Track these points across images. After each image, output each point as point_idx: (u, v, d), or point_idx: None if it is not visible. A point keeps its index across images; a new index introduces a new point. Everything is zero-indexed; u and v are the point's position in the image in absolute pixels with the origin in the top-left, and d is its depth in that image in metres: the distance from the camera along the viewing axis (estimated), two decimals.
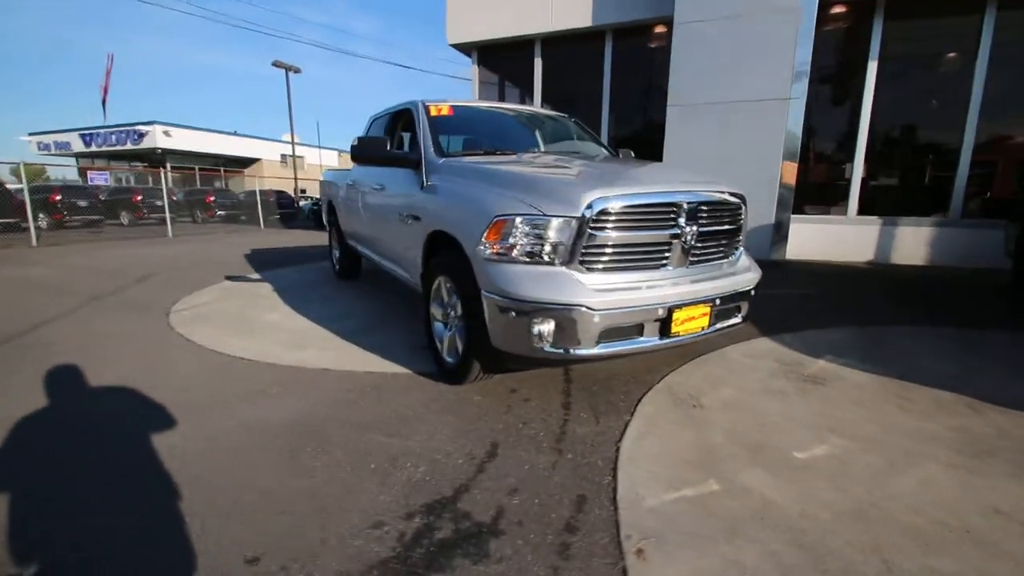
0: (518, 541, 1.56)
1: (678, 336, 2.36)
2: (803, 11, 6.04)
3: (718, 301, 2.45)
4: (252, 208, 15.94)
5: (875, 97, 6.59)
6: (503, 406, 2.48)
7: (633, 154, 4.01)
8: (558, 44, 8.18)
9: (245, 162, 33.19)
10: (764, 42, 6.22)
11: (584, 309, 2.14)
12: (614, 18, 7.47)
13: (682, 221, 2.35)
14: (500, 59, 8.77)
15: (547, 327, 2.17)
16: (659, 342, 2.35)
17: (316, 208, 15.09)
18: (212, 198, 17.83)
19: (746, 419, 2.34)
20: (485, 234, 2.28)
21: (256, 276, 6.10)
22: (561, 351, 2.21)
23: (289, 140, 40.37)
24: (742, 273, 2.67)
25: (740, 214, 2.68)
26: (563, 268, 2.22)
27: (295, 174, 23.01)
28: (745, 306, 2.74)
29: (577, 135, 4.01)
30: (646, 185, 2.36)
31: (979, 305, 4.56)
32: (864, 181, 6.85)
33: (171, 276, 6.17)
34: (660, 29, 7.49)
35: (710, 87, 6.57)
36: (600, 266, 2.26)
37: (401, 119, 3.87)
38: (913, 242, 6.58)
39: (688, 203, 2.36)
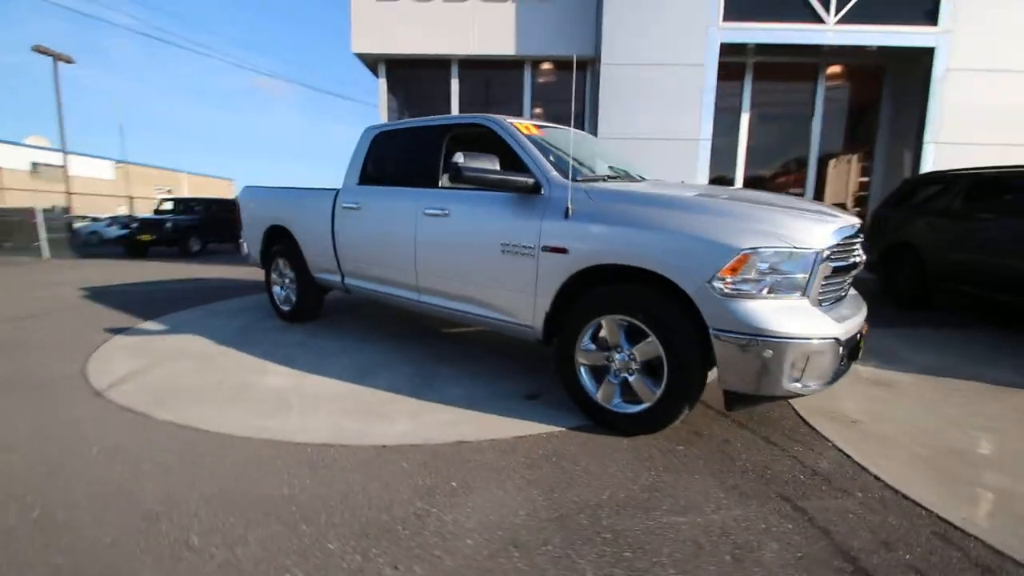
0: None
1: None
2: (707, 67, 7.07)
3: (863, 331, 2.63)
4: (23, 231, 11.85)
5: (748, 136, 7.99)
6: (716, 451, 2.30)
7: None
8: (477, 67, 8.04)
9: None
10: (679, 89, 7.08)
11: (835, 342, 2.13)
12: (536, 51, 7.67)
13: (856, 251, 2.51)
14: (411, 76, 8.23)
15: (801, 363, 2.10)
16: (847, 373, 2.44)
17: (129, 232, 11.95)
18: None
19: (907, 427, 2.57)
20: (723, 269, 2.11)
21: (159, 326, 4.55)
22: (812, 387, 2.15)
23: (37, 145, 31.34)
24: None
25: None
26: (805, 301, 2.18)
27: (67, 187, 17.86)
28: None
29: (606, 153, 3.96)
30: (838, 215, 2.45)
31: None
32: None
33: (11, 335, 4.22)
34: (581, 65, 7.95)
35: (632, 123, 7.19)
36: (820, 298, 2.27)
37: (453, 136, 3.35)
38: None
39: (857, 232, 2.53)
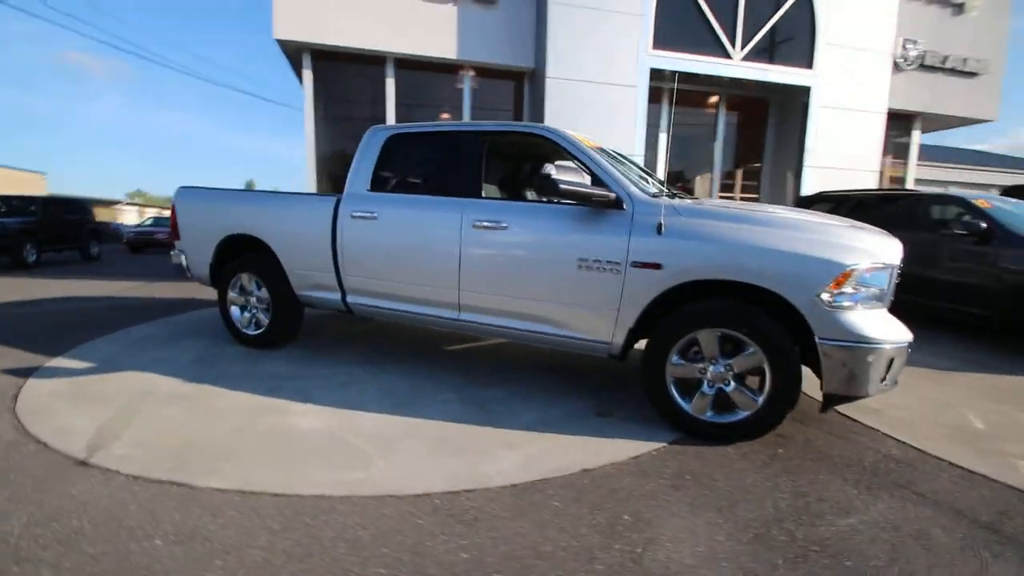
0: None
1: None
2: (639, 89, 7.61)
3: None
4: None
5: (667, 153, 8.75)
6: (809, 451, 2.50)
7: None
8: (414, 67, 7.65)
9: None
10: (617, 107, 7.51)
11: (908, 345, 2.45)
12: (477, 57, 7.54)
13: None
14: (341, 70, 7.53)
15: (889, 365, 2.38)
16: None
17: None
18: None
19: (915, 412, 3.04)
20: (830, 284, 2.31)
21: (80, 363, 3.56)
22: (890, 386, 2.45)
23: None
24: None
25: None
26: (884, 310, 2.47)
27: None
28: None
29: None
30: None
31: None
32: None
33: None
34: (520, 76, 7.99)
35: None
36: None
37: (495, 143, 3.16)
38: None
39: None
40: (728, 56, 7.89)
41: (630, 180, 2.82)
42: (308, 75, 7.20)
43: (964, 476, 2.28)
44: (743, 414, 2.52)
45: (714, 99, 8.91)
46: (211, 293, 6.71)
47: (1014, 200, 5.52)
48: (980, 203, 5.10)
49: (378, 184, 3.42)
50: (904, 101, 9.23)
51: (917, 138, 10.22)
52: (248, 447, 2.38)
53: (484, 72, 7.91)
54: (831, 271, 2.31)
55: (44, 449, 2.30)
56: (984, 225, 4.78)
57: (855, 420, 2.89)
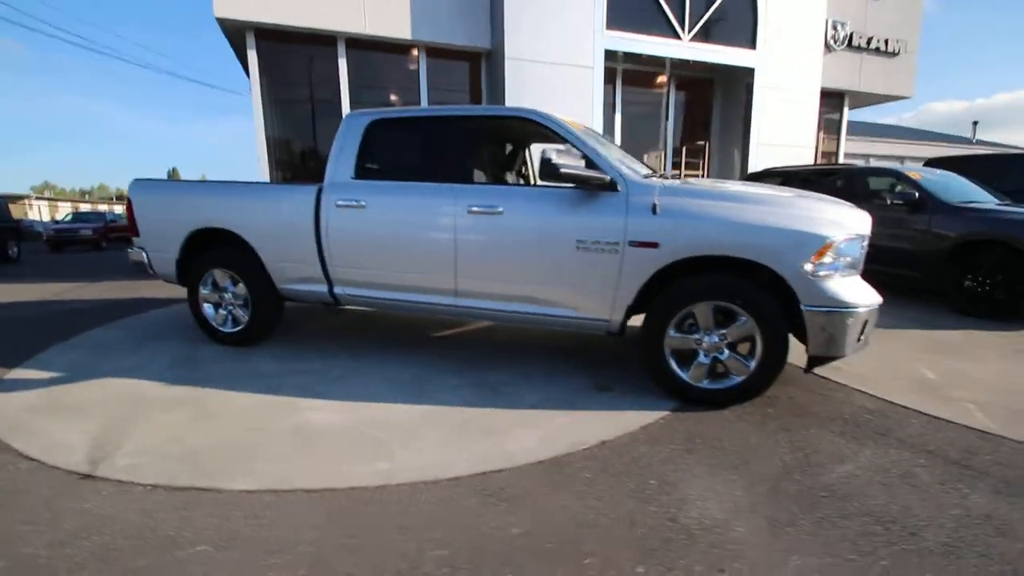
0: None
1: None
2: (595, 70, 7.71)
3: None
4: None
5: (621, 132, 8.95)
6: (794, 408, 2.73)
7: None
8: (366, 48, 7.36)
9: None
10: (575, 86, 7.58)
11: (877, 308, 2.71)
12: (431, 36, 7.36)
13: None
14: (287, 50, 7.13)
15: (864, 326, 2.63)
16: None
17: None
18: None
19: (871, 367, 3.37)
20: (814, 255, 2.51)
21: (46, 373, 3.30)
22: (862, 345, 2.71)
23: None
24: None
25: None
26: (857, 276, 2.71)
27: None
28: None
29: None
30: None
31: None
32: None
33: None
34: (476, 56, 7.87)
35: None
36: None
37: (483, 128, 3.15)
38: None
39: None
40: (678, 37, 8.12)
41: (622, 162, 2.91)
42: (253, 56, 6.79)
43: (930, 421, 2.58)
44: (737, 379, 2.71)
45: (663, 79, 9.16)
46: (163, 291, 6.38)
47: (939, 171, 6.10)
48: (912, 175, 5.60)
49: (363, 172, 3.34)
50: (834, 80, 9.86)
51: (846, 115, 10.98)
52: (267, 446, 2.33)
53: (439, 53, 7.73)
54: (814, 243, 2.51)
55: (39, 466, 2.15)
56: (916, 195, 5.26)
57: (825, 378, 3.18)
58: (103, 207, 43.54)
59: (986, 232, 4.81)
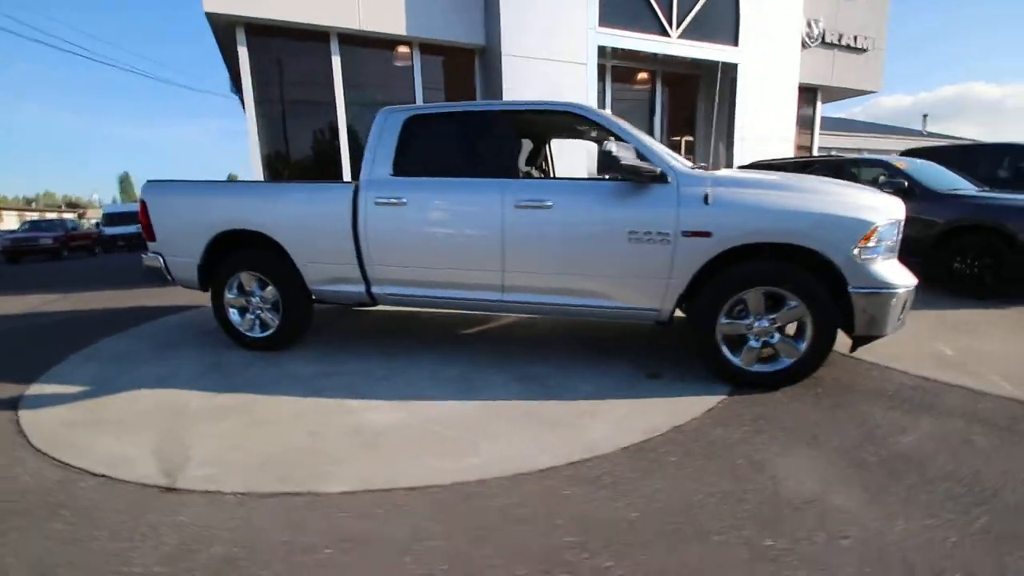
0: None
1: None
2: (588, 66, 7.80)
3: None
4: None
5: None
6: (839, 388, 2.86)
7: None
8: (360, 43, 7.23)
9: None
10: (569, 82, 7.64)
11: (913, 288, 2.86)
12: (425, 33, 7.29)
13: None
14: (279, 46, 6.92)
15: (904, 306, 2.78)
16: None
17: None
18: None
19: (898, 346, 3.55)
20: (860, 240, 2.63)
21: (69, 388, 3.13)
22: (900, 324, 2.85)
23: None
24: None
25: None
26: (895, 259, 2.85)
27: None
28: None
29: None
30: None
31: None
32: None
33: None
34: (470, 53, 7.83)
35: None
36: None
37: (526, 122, 3.16)
38: None
39: None
40: (667, 34, 8.29)
41: (669, 155, 2.97)
42: (244, 53, 6.58)
43: (967, 394, 2.74)
44: (787, 362, 2.82)
45: (649, 75, 9.34)
46: (162, 299, 6.13)
47: (920, 160, 6.44)
48: (899, 164, 5.89)
49: (401, 168, 3.30)
50: (809, 75, 10.26)
51: (819, 109, 11.44)
52: (340, 448, 2.29)
53: (433, 49, 7.67)
54: (861, 229, 2.63)
55: (109, 481, 2.06)
56: (905, 183, 5.54)
57: (858, 358, 3.32)
58: (51, 215, 41.31)
59: (972, 218, 5.11)
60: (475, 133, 3.26)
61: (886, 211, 2.74)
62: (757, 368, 2.86)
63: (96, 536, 1.70)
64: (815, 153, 11.56)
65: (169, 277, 3.84)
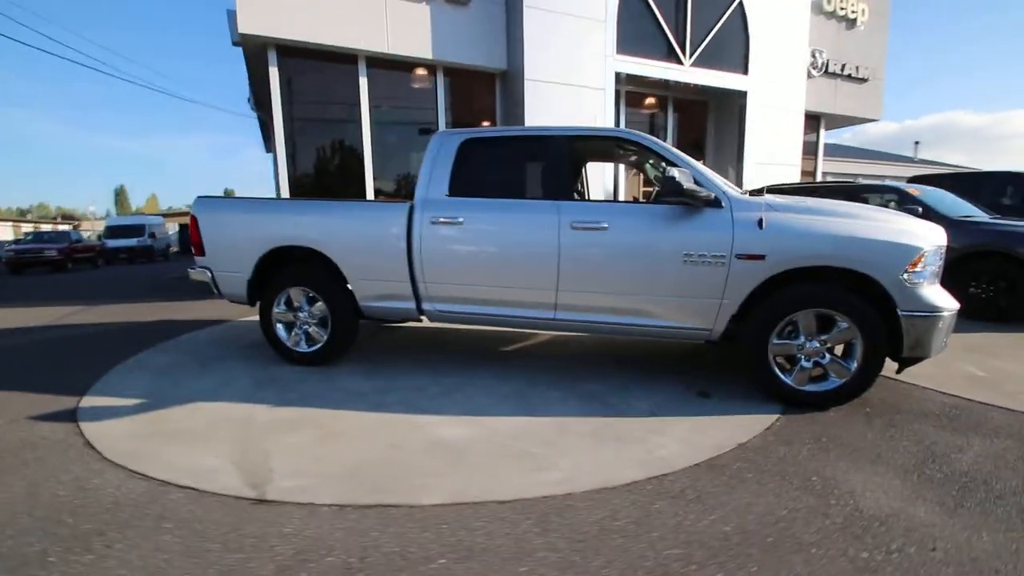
0: None
1: None
2: (607, 91, 8.03)
3: None
4: None
5: None
6: (886, 406, 2.95)
7: None
8: (386, 66, 7.40)
9: None
10: (588, 106, 7.87)
11: (956, 312, 2.97)
12: (450, 57, 7.49)
13: None
14: (308, 67, 7.08)
15: (948, 329, 2.89)
16: None
17: None
18: None
19: (927, 366, 3.66)
20: (909, 265, 2.76)
21: (120, 400, 3.15)
22: (943, 346, 2.96)
23: None
24: None
25: None
26: (938, 284, 2.98)
27: None
28: None
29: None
30: None
31: None
32: None
33: None
34: (491, 78, 8.04)
35: None
36: None
37: (579, 148, 3.29)
38: None
39: None
40: (680, 62, 8.57)
41: (721, 180, 3.10)
42: (275, 73, 6.72)
43: (1007, 413, 2.84)
44: (837, 382, 2.91)
45: (659, 100, 9.61)
46: (181, 312, 6.15)
47: (931, 187, 6.66)
48: (912, 191, 6.11)
49: (457, 189, 3.40)
50: (813, 104, 10.59)
51: (823, 136, 11.78)
52: (424, 461, 2.34)
53: (456, 73, 7.87)
54: (911, 254, 2.76)
55: (197, 493, 2.08)
56: (920, 209, 5.73)
57: (897, 380, 3.42)
58: (46, 226, 41.04)
59: (987, 244, 5.30)
60: (530, 156, 3.39)
61: (932, 238, 2.87)
62: (808, 388, 2.95)
63: (209, 548, 1.73)
64: (819, 178, 11.87)
65: (216, 291, 3.89)
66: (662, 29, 8.32)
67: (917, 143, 29.83)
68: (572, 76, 7.70)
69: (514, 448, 2.47)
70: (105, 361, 3.97)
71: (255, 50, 6.81)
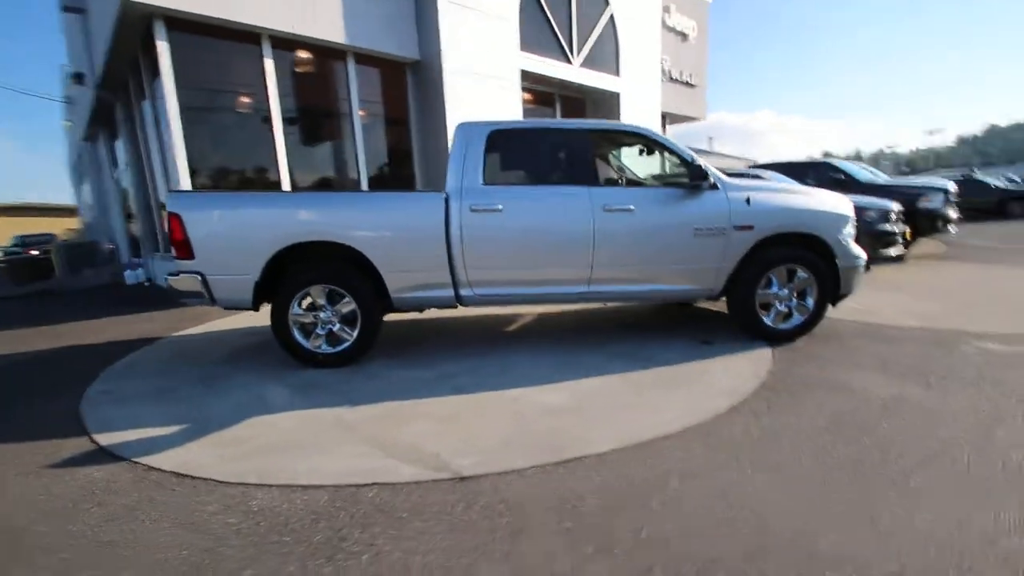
0: None
1: None
2: (517, 84, 8.49)
3: None
4: None
5: None
6: (829, 337, 3.99)
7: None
8: (293, 48, 6.77)
9: None
10: (499, 98, 8.23)
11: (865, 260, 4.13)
12: (363, 43, 7.16)
13: None
14: (203, 44, 6.11)
15: (863, 273, 4.02)
16: None
17: None
18: None
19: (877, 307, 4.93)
20: (845, 228, 3.78)
21: (163, 429, 2.70)
22: (859, 286, 4.09)
23: None
24: None
25: None
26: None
27: None
28: None
29: None
30: None
31: None
32: None
33: None
34: (402, 67, 7.85)
35: None
36: None
37: (595, 140, 3.70)
38: None
39: None
40: (569, 61, 9.41)
41: (713, 168, 3.81)
42: (164, 48, 5.75)
43: (894, 329, 4.08)
44: (800, 319, 3.85)
45: (548, 97, 10.42)
46: (94, 334, 4.99)
47: (848, 162, 8.58)
48: (836, 164, 7.97)
49: (490, 178, 3.56)
50: (663, 104, 12.45)
51: (667, 132, 13.87)
52: (554, 424, 2.56)
53: (368, 60, 7.56)
54: (847, 219, 3.78)
55: (393, 487, 2.05)
56: (843, 176, 7.51)
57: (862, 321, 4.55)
58: None
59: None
60: (557, 147, 3.70)
61: (851, 207, 3.95)
62: (782, 326, 3.84)
63: (479, 527, 1.80)
64: None
65: (208, 298, 3.43)
66: (555, 31, 9.05)
67: (711, 139, 36.35)
68: (488, 68, 7.98)
69: (617, 402, 2.82)
70: (77, 389, 3.23)
71: (135, 20, 5.72)
